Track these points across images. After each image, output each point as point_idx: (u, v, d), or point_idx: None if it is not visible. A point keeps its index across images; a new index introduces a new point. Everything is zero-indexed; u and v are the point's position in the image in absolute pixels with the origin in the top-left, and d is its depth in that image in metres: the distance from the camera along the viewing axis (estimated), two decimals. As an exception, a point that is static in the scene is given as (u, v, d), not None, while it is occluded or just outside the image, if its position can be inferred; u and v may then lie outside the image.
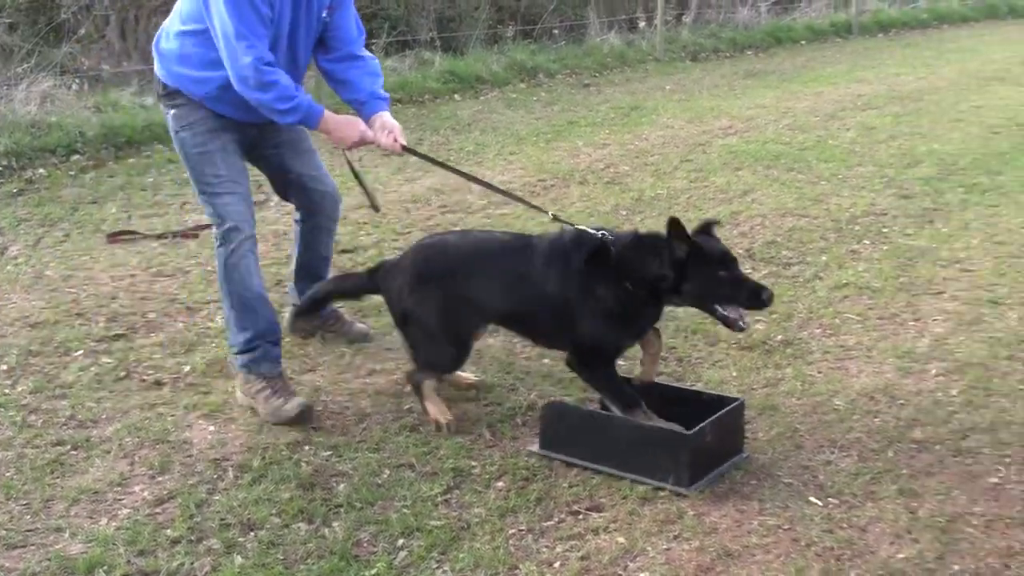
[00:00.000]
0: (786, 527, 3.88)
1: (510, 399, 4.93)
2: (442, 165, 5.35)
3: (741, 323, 4.30)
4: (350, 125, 4.82)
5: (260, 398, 4.78)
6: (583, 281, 4.41)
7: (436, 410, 4.67)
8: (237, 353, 4.90)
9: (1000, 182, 8.95)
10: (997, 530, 3.85)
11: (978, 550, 3.72)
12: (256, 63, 4.50)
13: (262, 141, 5.08)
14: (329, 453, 4.44)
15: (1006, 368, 5.22)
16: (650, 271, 4.28)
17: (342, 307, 5.68)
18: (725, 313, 4.27)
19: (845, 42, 20.10)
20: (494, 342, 5.57)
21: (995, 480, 4.21)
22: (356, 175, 5.24)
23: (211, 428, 4.67)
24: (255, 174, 5.19)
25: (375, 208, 5.38)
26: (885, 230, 7.58)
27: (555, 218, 4.80)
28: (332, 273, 5.55)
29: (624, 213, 7.94)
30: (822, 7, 21.77)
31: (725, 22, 19.38)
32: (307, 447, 4.49)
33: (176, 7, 4.85)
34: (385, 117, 4.94)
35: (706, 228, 4.42)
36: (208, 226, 7.44)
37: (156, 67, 4.93)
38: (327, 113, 4.75)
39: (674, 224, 4.20)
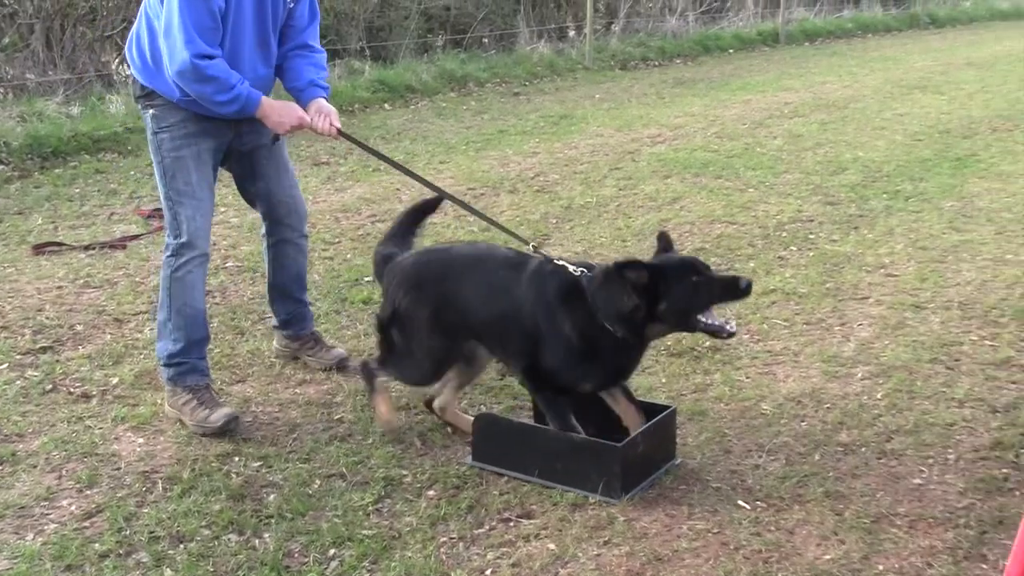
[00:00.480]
0: (715, 531, 3.92)
1: (441, 408, 4.94)
2: (378, 154, 5.36)
3: (728, 328, 4.16)
4: (287, 109, 4.81)
5: (186, 410, 4.76)
6: (555, 315, 4.28)
7: (385, 409, 4.67)
8: (164, 365, 4.88)
9: (923, 188, 9.10)
10: (920, 529, 3.93)
11: (902, 550, 3.79)
12: (193, 56, 4.49)
13: (238, 144, 5.04)
14: (259, 464, 4.42)
15: (929, 371, 5.31)
16: (623, 306, 4.13)
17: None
18: (709, 323, 4.14)
19: (772, 51, 20.34)
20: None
21: (918, 481, 4.28)
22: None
23: (140, 440, 4.63)
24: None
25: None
26: (811, 236, 7.69)
27: (535, 249, 4.63)
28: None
29: (554, 221, 7.98)
30: (749, 16, 22.01)
31: (654, 31, 19.54)
32: (237, 458, 4.46)
33: (143, 10, 4.82)
34: (321, 102, 4.96)
35: (664, 242, 4.36)
36: (136, 237, 7.44)
37: (132, 68, 4.93)
38: (264, 99, 4.75)
39: (620, 266, 4.14)
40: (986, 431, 4.70)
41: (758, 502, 4.11)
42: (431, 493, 4.20)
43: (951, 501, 4.12)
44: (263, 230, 5.35)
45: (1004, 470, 4.33)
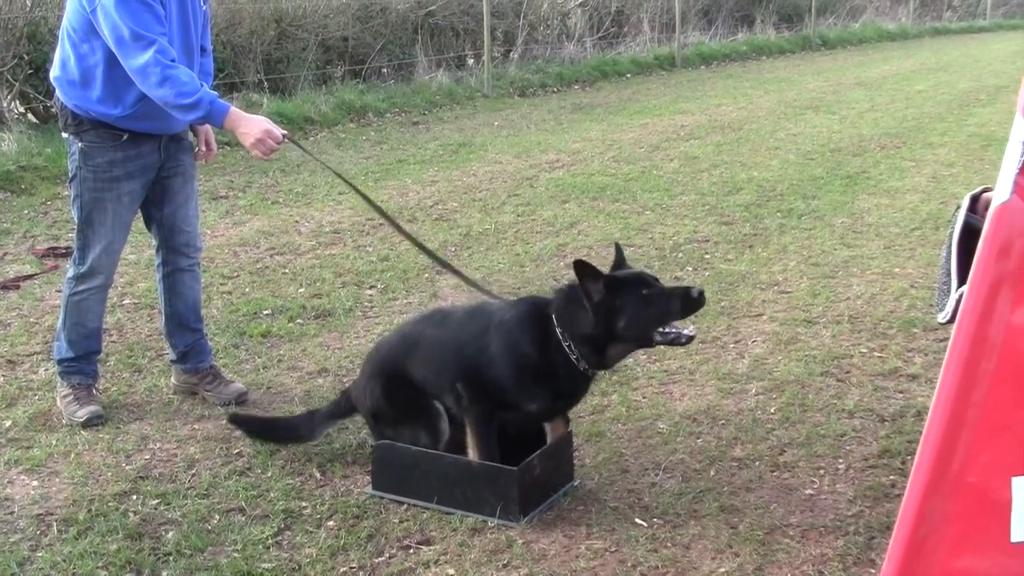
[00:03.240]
0: (613, 549, 3.97)
1: (340, 438, 4.93)
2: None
3: (685, 335, 4.14)
4: (256, 122, 4.76)
5: (64, 402, 5.17)
6: (509, 333, 4.27)
7: None
8: (57, 362, 5.26)
9: (815, 206, 9.31)
10: (812, 539, 4.02)
11: (794, 559, 3.87)
12: (156, 58, 4.53)
13: (161, 168, 5.10)
14: (157, 501, 4.39)
15: (820, 384, 5.43)
16: (586, 325, 4.12)
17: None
18: (665, 336, 4.11)
19: (669, 75, 20.63)
20: (322, 382, 5.59)
21: (810, 491, 4.38)
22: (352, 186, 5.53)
23: (34, 483, 4.57)
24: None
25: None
26: (707, 256, 7.82)
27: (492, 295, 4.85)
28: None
29: (453, 249, 8.02)
30: (646, 41, 22.29)
31: (552, 58, 19.70)
32: (135, 497, 4.42)
33: (64, 34, 4.83)
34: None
35: (619, 258, 4.37)
36: (30, 277, 7.33)
37: (59, 97, 4.93)
38: (234, 109, 4.75)
39: (580, 266, 4.10)
40: (874, 440, 4.82)
41: (655, 519, 4.17)
42: (331, 524, 4.20)
43: (841, 509, 4.22)
44: (157, 260, 5.38)
45: (891, 477, 4.45)
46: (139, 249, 7.82)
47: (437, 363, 4.40)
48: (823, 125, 13.87)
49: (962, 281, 3.38)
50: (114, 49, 4.62)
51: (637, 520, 4.17)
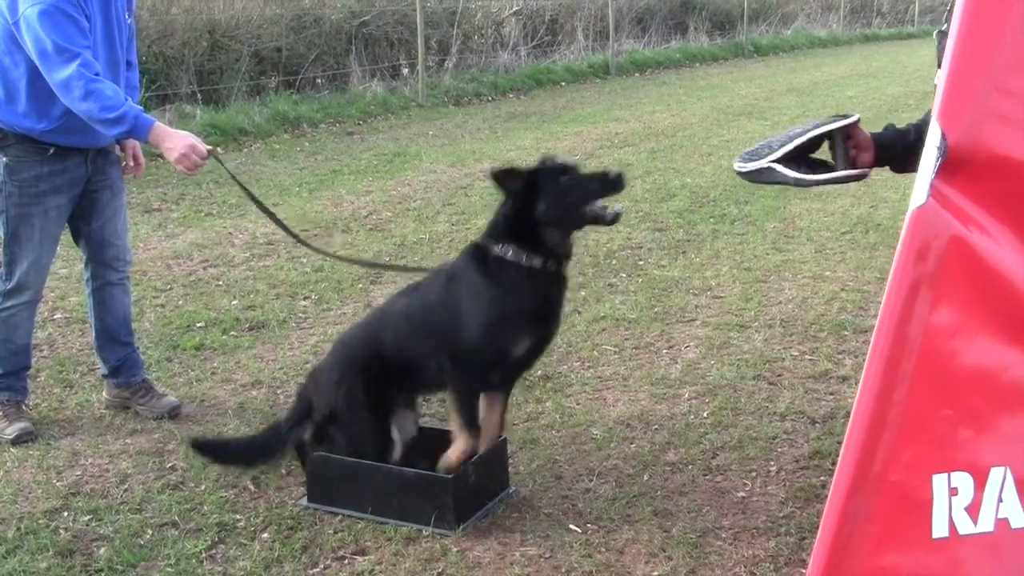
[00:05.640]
0: (547, 556, 4.00)
1: (274, 450, 4.92)
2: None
3: (609, 212, 4.13)
4: (180, 138, 4.74)
5: None
6: (459, 281, 4.30)
7: None
8: None
9: (747, 211, 9.40)
10: (744, 540, 4.07)
11: (726, 561, 3.92)
12: (80, 71, 4.50)
13: (88, 182, 5.06)
14: (89, 518, 4.35)
15: (752, 388, 5.49)
16: (515, 222, 4.14)
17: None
18: (593, 213, 4.11)
19: (603, 83, 20.71)
20: (256, 394, 5.56)
21: (742, 494, 4.43)
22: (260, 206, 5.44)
23: (-39, 502, 4.52)
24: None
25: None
26: (641, 263, 7.87)
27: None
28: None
29: (387, 258, 8.01)
30: (580, 49, 22.37)
31: (486, 67, 19.72)
32: (66, 513, 4.38)
33: None
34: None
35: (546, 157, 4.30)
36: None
37: None
38: (158, 124, 4.73)
39: (496, 172, 4.17)
40: (805, 442, 4.88)
41: (589, 525, 4.20)
42: (265, 536, 4.19)
43: (773, 511, 4.27)
44: (87, 274, 5.34)
45: (822, 478, 4.50)
46: (70, 263, 7.74)
47: (410, 341, 4.36)
48: (756, 131, 13.98)
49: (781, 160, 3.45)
50: (37, 62, 4.58)
51: (571, 526, 4.19)
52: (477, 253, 4.26)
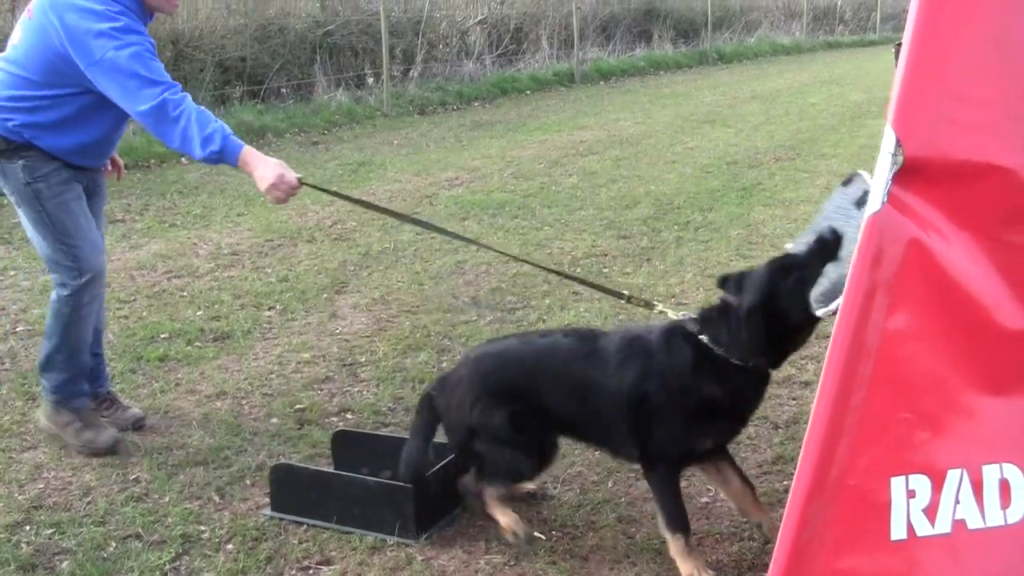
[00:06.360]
0: (512, 563, 4.01)
1: (239, 460, 4.91)
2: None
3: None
4: (272, 166, 4.58)
5: (70, 431, 5.02)
6: (664, 372, 3.88)
7: (508, 519, 4.11)
8: (52, 391, 5.06)
9: (711, 218, 9.45)
10: (708, 545, 4.10)
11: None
12: (171, 95, 4.48)
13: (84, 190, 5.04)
14: (52, 531, 4.33)
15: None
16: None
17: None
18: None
19: (568, 91, 20.74)
20: (221, 404, 5.55)
21: (705, 500, 4.45)
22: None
23: (-77, 516, 4.49)
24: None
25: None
26: (605, 270, 7.90)
27: (629, 300, 4.51)
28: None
29: (352, 269, 8.01)
30: (545, 58, 22.41)
31: (451, 75, 19.73)
32: (28, 527, 4.36)
33: (14, 63, 4.71)
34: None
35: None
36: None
37: None
38: (247, 147, 4.61)
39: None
40: (768, 447, 4.91)
41: (553, 532, 4.22)
42: (229, 547, 4.18)
43: (736, 516, 4.28)
44: None
45: (785, 483, 4.52)
46: (32, 276, 7.72)
47: (595, 408, 4.00)
48: (719, 138, 14.08)
49: None
50: (122, 99, 4.53)
51: (536, 533, 4.20)
52: (692, 353, 3.87)
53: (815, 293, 3.47)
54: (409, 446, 4.26)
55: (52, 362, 5.04)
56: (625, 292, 4.65)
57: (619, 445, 4.06)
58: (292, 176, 4.58)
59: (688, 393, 3.82)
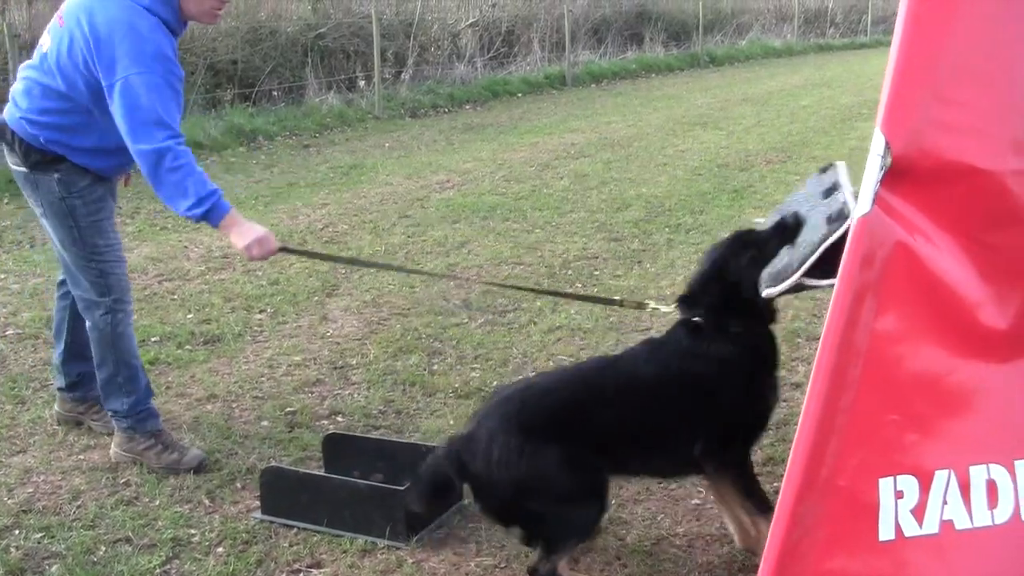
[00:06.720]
0: (502, 566, 4.01)
1: (229, 463, 4.91)
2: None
3: None
4: (254, 232, 4.56)
5: (151, 454, 4.89)
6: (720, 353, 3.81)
7: None
8: (123, 417, 4.93)
9: (703, 221, 9.46)
10: (698, 547, 4.10)
11: (681, 568, 3.95)
12: (174, 145, 4.37)
13: None
14: (41, 535, 4.32)
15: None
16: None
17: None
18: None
19: (560, 93, 20.76)
20: (211, 407, 5.55)
21: (696, 501, 4.46)
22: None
23: (-88, 520, 4.48)
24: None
25: None
26: (596, 273, 7.90)
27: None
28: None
29: (343, 271, 7.99)
30: (537, 60, 22.42)
31: (443, 78, 19.74)
32: (17, 531, 4.35)
33: (44, 73, 4.61)
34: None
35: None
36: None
37: (26, 133, 4.65)
38: (234, 212, 4.53)
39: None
40: (759, 448, 4.90)
41: (544, 534, 4.21)
42: (220, 550, 4.18)
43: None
44: (65, 289, 5.17)
45: (775, 484, 4.50)
46: (22, 279, 7.72)
47: (655, 434, 3.83)
48: (711, 141, 14.10)
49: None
50: (124, 126, 4.40)
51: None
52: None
53: (766, 273, 3.57)
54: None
55: (112, 388, 4.94)
56: (617, 297, 4.64)
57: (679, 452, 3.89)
58: (273, 244, 4.61)
59: (734, 366, 3.79)
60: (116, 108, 4.41)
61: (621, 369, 3.93)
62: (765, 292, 3.53)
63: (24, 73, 4.74)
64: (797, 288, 3.48)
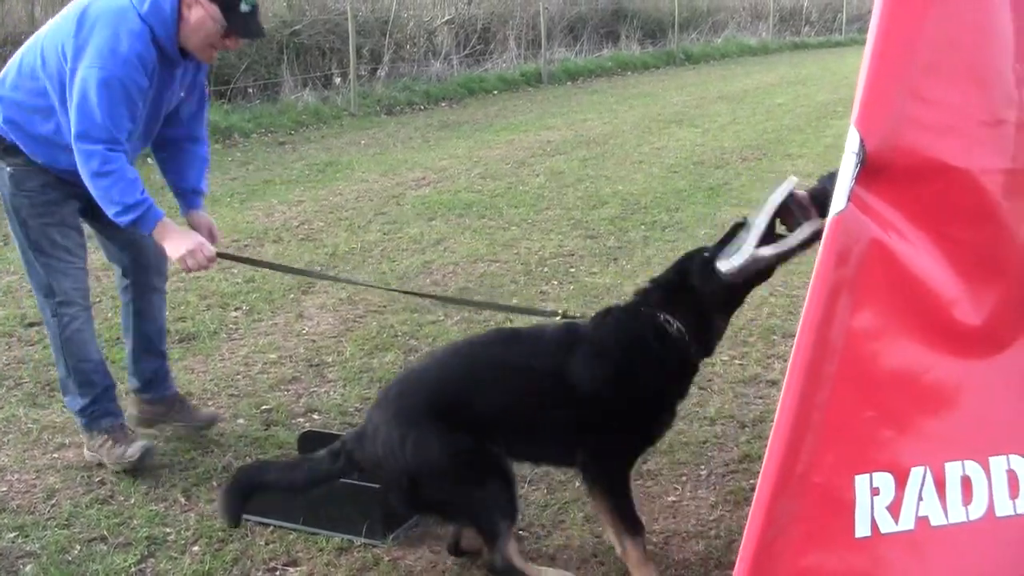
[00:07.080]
0: (478, 563, 4.00)
1: (204, 462, 4.89)
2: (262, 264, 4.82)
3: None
4: (187, 239, 4.51)
5: (103, 451, 4.82)
6: (616, 364, 3.76)
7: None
8: (77, 414, 4.89)
9: (679, 218, 9.47)
10: (674, 544, 4.11)
11: (657, 565, 3.94)
12: (105, 150, 4.27)
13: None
14: (15, 534, 4.30)
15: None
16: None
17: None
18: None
19: (536, 91, 20.74)
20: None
21: (672, 498, 4.47)
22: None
23: None
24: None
25: None
26: (572, 270, 7.91)
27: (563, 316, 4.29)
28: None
29: (319, 269, 7.99)
30: (513, 58, 22.40)
31: (419, 75, 19.69)
32: (-10, 531, 4.33)
33: (35, 59, 4.48)
34: (199, 217, 4.89)
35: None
36: None
37: None
38: (165, 220, 4.44)
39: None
40: (735, 445, 4.93)
41: (521, 531, 4.21)
42: (196, 549, 4.17)
43: (703, 515, 4.32)
44: (123, 285, 5.08)
45: (752, 481, 4.53)
46: (-4, 276, 7.66)
47: (545, 426, 3.79)
48: (686, 139, 14.11)
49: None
50: (72, 114, 4.30)
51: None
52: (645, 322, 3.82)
53: (720, 256, 3.71)
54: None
55: (66, 388, 4.90)
56: (559, 311, 4.50)
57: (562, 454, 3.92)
58: (210, 250, 4.56)
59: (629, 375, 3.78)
60: (71, 96, 4.33)
61: (502, 350, 3.89)
62: (725, 270, 3.61)
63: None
64: (755, 266, 3.58)
